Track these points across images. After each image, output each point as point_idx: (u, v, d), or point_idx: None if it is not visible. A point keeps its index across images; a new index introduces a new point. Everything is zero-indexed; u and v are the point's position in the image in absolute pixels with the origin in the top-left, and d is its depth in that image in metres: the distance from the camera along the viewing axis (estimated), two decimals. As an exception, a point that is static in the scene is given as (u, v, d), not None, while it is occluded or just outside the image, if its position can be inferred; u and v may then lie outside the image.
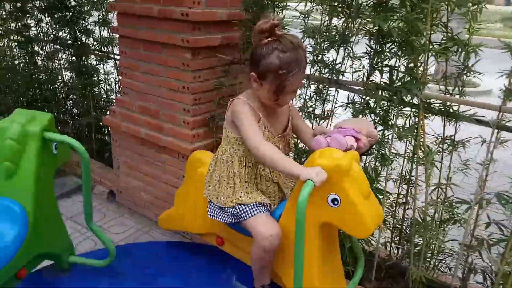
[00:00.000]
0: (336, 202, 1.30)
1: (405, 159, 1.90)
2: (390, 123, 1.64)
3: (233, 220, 1.60)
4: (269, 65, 1.41)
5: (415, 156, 1.71)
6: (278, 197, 1.64)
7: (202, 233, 1.94)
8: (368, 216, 1.28)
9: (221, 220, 1.64)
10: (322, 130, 1.54)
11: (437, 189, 1.88)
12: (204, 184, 1.69)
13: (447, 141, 1.82)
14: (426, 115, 1.78)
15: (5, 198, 1.53)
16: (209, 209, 1.68)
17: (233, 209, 1.58)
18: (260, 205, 1.56)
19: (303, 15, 1.96)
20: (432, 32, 1.71)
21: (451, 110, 1.72)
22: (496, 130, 1.64)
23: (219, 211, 1.65)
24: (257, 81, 1.46)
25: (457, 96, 1.75)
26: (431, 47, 1.52)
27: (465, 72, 1.70)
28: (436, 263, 2.01)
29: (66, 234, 1.89)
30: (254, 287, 1.68)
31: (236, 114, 1.50)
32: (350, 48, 1.78)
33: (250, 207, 1.55)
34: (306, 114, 1.89)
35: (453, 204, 1.87)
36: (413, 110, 1.77)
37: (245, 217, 1.55)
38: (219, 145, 1.66)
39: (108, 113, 2.58)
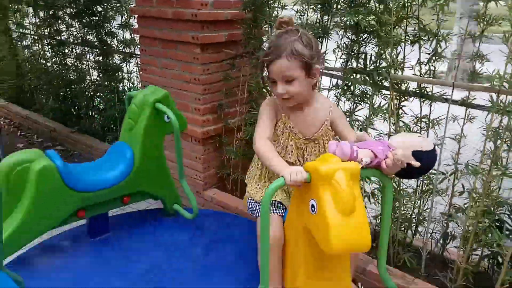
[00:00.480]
0: (313, 209, 1.23)
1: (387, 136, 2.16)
2: (367, 102, 1.91)
3: (249, 212, 1.72)
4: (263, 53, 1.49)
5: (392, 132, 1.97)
6: None
7: None
8: (336, 232, 1.16)
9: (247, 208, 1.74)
10: (361, 137, 1.35)
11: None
12: None
13: (423, 120, 2.07)
14: (405, 97, 2.04)
15: (125, 144, 2.12)
16: None
17: (248, 202, 1.69)
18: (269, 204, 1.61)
19: (298, 13, 2.25)
20: (407, 24, 1.97)
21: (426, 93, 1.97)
22: (464, 108, 1.90)
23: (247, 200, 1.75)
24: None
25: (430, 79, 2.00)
26: (395, 35, 1.76)
27: (435, 58, 1.94)
28: (420, 230, 2.25)
29: (172, 186, 2.33)
30: None
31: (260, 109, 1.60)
32: (340, 40, 2.06)
33: (259, 205, 1.59)
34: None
35: (430, 176, 2.11)
36: (395, 93, 2.03)
37: (254, 214, 1.65)
38: None
39: (130, 105, 2.94)
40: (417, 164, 1.25)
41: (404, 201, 2.02)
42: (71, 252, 2.08)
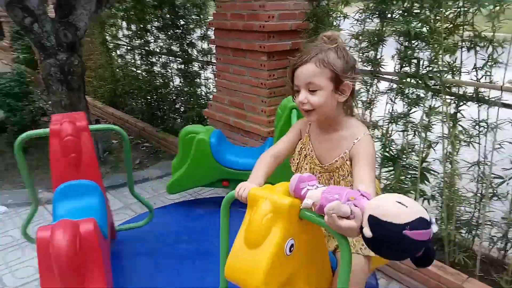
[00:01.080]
0: None
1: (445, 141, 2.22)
2: (421, 105, 2.02)
3: None
4: None
5: (449, 134, 2.05)
6: None
7: None
8: (231, 261, 1.12)
9: None
10: (356, 184, 1.19)
11: (477, 166, 2.16)
12: None
13: (481, 124, 2.11)
14: (463, 101, 2.10)
15: (272, 140, 2.50)
16: None
17: None
18: None
19: (359, 22, 2.41)
20: (463, 31, 2.04)
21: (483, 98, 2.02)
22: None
23: None
24: None
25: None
26: (446, 42, 1.86)
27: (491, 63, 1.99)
28: (479, 234, 2.26)
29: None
30: None
31: None
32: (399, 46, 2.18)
33: None
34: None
35: (490, 179, 2.13)
36: (452, 97, 2.10)
37: None
38: None
39: (207, 107, 3.31)
40: (367, 233, 0.94)
41: (461, 204, 2.07)
42: (213, 211, 2.52)
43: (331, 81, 1.27)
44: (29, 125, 3.97)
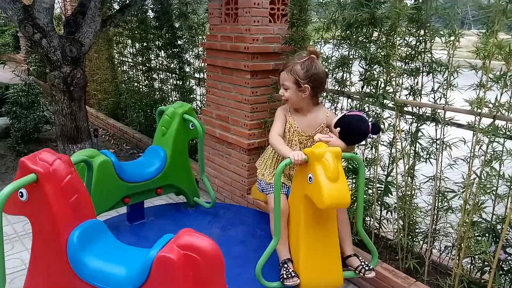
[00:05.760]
0: (310, 179, 1.78)
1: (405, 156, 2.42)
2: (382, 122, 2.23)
3: (260, 190, 2.36)
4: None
5: (398, 149, 2.25)
6: None
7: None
8: (327, 192, 1.68)
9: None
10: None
11: (433, 181, 2.35)
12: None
13: (437, 142, 2.31)
14: (423, 121, 2.31)
15: (159, 147, 2.69)
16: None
17: (261, 183, 2.33)
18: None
19: (336, 47, 2.65)
20: (424, 56, 2.27)
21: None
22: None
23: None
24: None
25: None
26: (399, 66, 2.09)
27: (447, 86, 2.21)
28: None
29: (193, 182, 2.86)
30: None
31: None
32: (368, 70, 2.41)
33: (270, 185, 2.25)
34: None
35: (445, 193, 2.32)
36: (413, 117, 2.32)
37: (265, 192, 2.30)
38: None
39: (196, 120, 3.54)
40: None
41: (416, 215, 2.25)
42: (115, 232, 2.51)
43: (294, 84, 2.08)
44: (32, 131, 4.23)
